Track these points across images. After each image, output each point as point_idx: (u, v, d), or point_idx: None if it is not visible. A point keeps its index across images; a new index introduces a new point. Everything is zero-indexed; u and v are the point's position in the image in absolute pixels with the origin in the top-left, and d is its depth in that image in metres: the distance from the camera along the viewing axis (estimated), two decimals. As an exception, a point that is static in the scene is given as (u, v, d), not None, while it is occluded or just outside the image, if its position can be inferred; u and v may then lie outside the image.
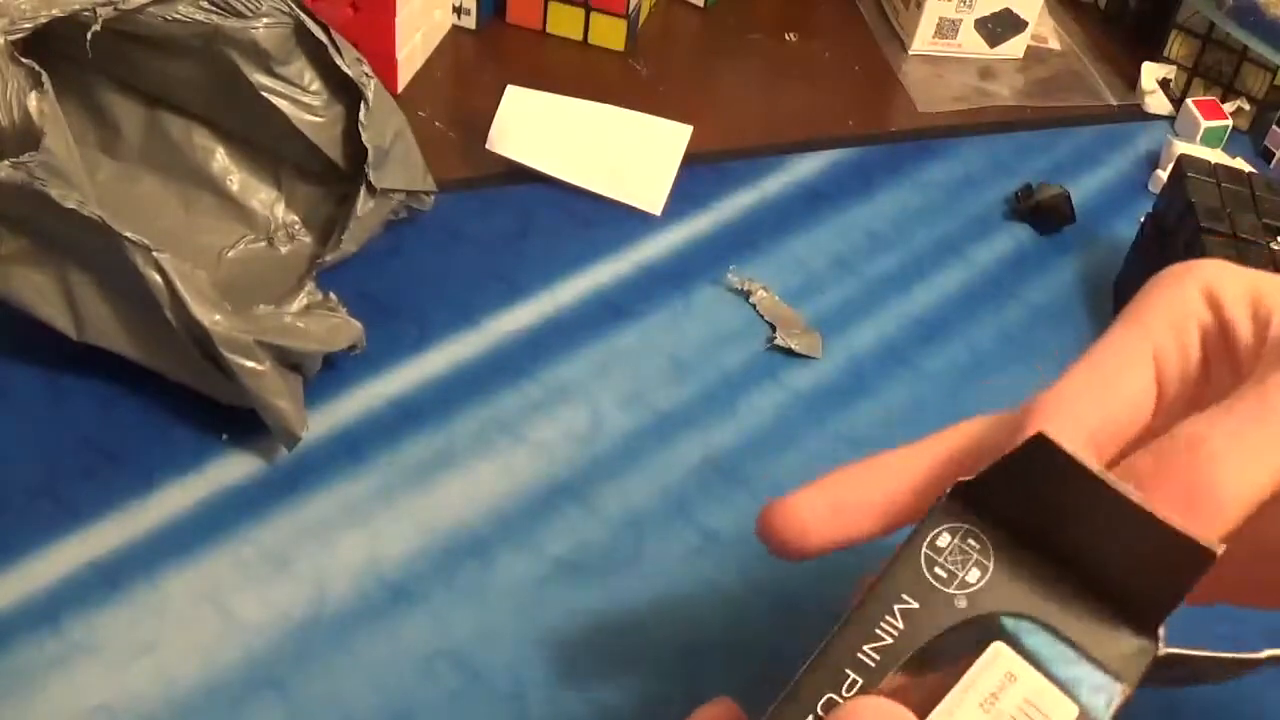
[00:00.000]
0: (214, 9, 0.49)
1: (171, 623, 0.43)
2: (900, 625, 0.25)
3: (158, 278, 0.45)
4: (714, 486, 0.51)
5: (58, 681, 0.41)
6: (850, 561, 0.48)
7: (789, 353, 0.56)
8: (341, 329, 0.49)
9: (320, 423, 0.50)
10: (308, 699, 0.42)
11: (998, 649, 0.25)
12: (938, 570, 0.26)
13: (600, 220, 0.61)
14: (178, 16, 0.49)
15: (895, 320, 0.59)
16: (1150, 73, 0.76)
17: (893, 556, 0.26)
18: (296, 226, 0.56)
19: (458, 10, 0.71)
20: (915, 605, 0.25)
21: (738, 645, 0.46)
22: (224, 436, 0.49)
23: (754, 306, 0.58)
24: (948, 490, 0.27)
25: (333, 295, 0.50)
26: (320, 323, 0.49)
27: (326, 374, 0.50)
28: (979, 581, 0.26)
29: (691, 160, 0.64)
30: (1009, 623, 0.25)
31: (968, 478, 0.26)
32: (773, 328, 0.57)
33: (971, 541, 0.26)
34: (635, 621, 0.46)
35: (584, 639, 0.45)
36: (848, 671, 0.24)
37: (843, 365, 0.57)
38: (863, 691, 0.24)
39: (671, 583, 0.47)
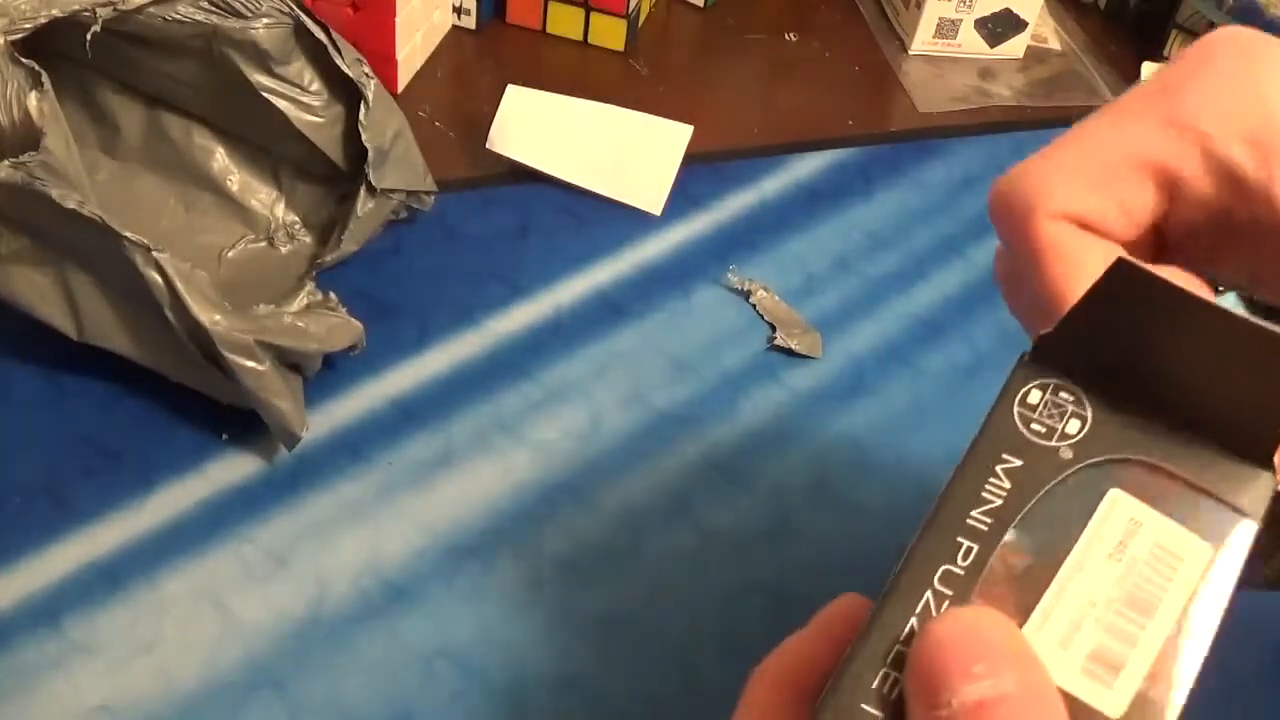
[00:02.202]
0: (214, 9, 0.49)
1: (171, 623, 0.43)
2: (1006, 485, 0.23)
3: (158, 278, 0.45)
4: (714, 486, 0.51)
5: (58, 681, 0.41)
6: (849, 564, 0.48)
7: (789, 353, 0.56)
8: (341, 329, 0.49)
9: (320, 423, 0.50)
10: (308, 699, 0.42)
11: (1114, 496, 0.23)
12: (1034, 426, 0.24)
13: (600, 220, 0.61)
14: (178, 16, 0.49)
15: (895, 320, 0.59)
16: (1150, 73, 0.76)
17: (983, 424, 0.24)
18: (296, 226, 0.56)
19: (458, 10, 0.71)
20: (1018, 463, 0.24)
21: (737, 644, 0.45)
22: (224, 436, 0.49)
23: (754, 306, 0.58)
24: (1029, 348, 0.25)
25: (333, 295, 0.50)
26: (320, 323, 0.49)
27: (326, 374, 0.50)
28: (1080, 432, 0.24)
29: (691, 160, 0.63)
30: (1119, 470, 0.23)
31: (1047, 330, 0.25)
32: (773, 328, 0.57)
33: (1064, 395, 0.24)
34: (635, 621, 0.46)
35: (584, 639, 0.45)
36: (960, 540, 0.23)
37: (843, 365, 0.57)
38: (980, 558, 0.23)
39: (671, 582, 0.47)
